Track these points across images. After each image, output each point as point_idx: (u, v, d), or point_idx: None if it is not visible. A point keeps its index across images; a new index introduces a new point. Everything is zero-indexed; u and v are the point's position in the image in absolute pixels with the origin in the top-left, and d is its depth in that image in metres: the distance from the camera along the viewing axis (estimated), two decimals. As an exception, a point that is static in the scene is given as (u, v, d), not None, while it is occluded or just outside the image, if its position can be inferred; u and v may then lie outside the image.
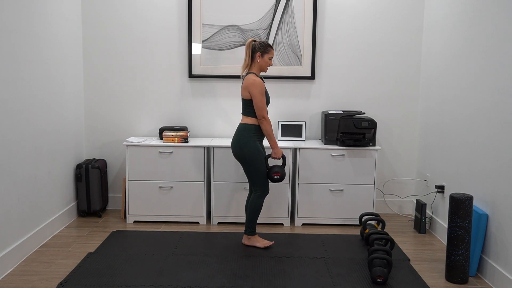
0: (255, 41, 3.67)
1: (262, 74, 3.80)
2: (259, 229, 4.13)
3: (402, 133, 4.73)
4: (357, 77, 4.66)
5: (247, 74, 3.66)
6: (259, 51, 3.63)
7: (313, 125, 4.72)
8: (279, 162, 3.94)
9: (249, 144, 3.61)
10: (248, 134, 3.63)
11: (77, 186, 4.45)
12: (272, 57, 3.70)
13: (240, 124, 3.71)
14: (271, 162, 3.95)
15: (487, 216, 3.28)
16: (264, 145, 3.82)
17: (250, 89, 3.56)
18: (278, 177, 3.66)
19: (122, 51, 4.62)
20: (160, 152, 4.29)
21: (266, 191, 3.71)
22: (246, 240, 3.78)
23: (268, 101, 3.69)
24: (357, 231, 4.21)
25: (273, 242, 3.80)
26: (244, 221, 3.92)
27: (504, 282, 3.06)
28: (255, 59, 3.65)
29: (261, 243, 3.76)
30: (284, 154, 3.79)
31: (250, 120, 3.64)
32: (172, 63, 4.64)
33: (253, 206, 3.70)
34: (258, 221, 4.15)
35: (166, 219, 4.38)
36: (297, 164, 4.30)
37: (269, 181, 3.72)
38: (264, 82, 3.64)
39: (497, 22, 3.23)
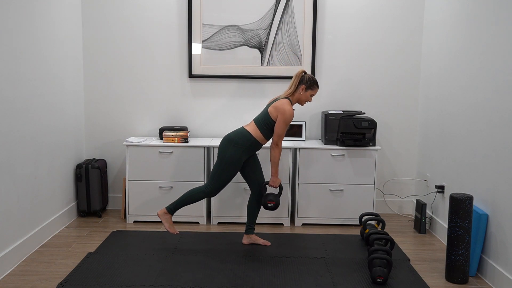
0: (305, 73, 3.67)
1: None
2: (258, 229, 4.13)
3: (402, 133, 4.73)
4: (357, 77, 4.66)
5: (284, 97, 3.64)
6: (305, 84, 3.63)
7: (313, 125, 4.72)
8: (275, 190, 3.94)
9: (237, 150, 3.59)
10: (244, 142, 3.60)
11: (77, 186, 4.45)
12: (314, 95, 3.71)
13: (244, 128, 3.68)
14: (268, 189, 3.94)
15: (487, 216, 3.28)
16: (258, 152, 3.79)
17: (279, 114, 3.55)
18: (272, 205, 3.66)
19: (122, 51, 4.62)
20: (160, 152, 4.29)
21: (213, 193, 3.68)
22: (160, 213, 3.74)
23: None
24: (357, 231, 4.21)
25: (178, 232, 3.79)
26: (245, 221, 3.93)
27: (504, 282, 3.06)
28: (298, 90, 3.64)
29: (169, 225, 3.72)
30: (282, 184, 3.79)
31: (255, 133, 3.62)
32: (172, 63, 4.64)
33: (193, 194, 3.68)
34: (257, 221, 4.15)
35: (166, 219, 4.38)
36: (297, 164, 4.30)
37: (262, 207, 3.71)
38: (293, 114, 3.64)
39: (497, 22, 3.23)
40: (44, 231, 3.85)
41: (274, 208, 3.67)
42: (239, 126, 4.65)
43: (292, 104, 3.64)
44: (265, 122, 3.61)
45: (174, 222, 4.36)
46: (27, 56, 3.55)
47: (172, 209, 3.71)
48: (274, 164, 3.64)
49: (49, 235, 3.95)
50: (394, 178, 4.78)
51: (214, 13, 4.55)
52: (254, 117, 3.77)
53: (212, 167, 4.27)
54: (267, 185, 3.76)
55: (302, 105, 3.75)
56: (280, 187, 3.77)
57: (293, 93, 3.66)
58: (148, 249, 3.69)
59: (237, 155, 3.59)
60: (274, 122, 3.59)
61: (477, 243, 3.30)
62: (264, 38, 4.57)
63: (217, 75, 4.62)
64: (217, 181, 3.64)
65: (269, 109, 3.62)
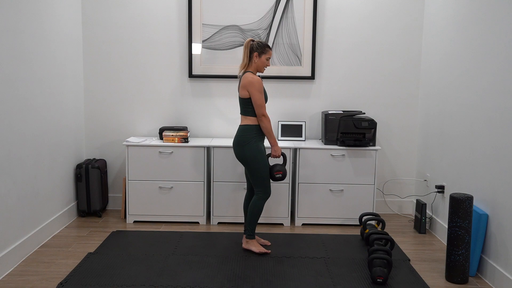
0: (253, 40, 3.63)
1: (260, 74, 3.79)
2: (258, 229, 4.13)
3: (402, 133, 4.73)
4: (357, 77, 4.66)
5: (244, 73, 3.63)
6: (257, 51, 3.60)
7: (313, 125, 4.72)
8: (280, 160, 3.93)
9: (250, 145, 3.58)
10: (249, 135, 3.59)
11: (77, 186, 4.45)
12: (269, 58, 3.65)
13: (240, 125, 3.67)
14: (272, 161, 3.94)
15: (487, 216, 3.28)
16: (265, 145, 3.79)
17: (249, 88, 3.53)
18: (280, 175, 3.63)
19: (122, 51, 4.62)
20: (160, 152, 4.29)
21: (267, 193, 3.64)
22: (244, 243, 3.72)
23: (266, 99, 3.65)
24: (357, 231, 4.21)
25: (270, 251, 3.67)
26: (244, 221, 3.91)
27: (504, 282, 3.06)
28: (253, 59, 3.61)
29: (259, 248, 3.66)
30: (284, 152, 3.79)
31: (249, 121, 3.61)
32: (172, 63, 4.64)
33: (253, 209, 3.63)
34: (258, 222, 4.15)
35: (166, 219, 4.38)
36: (297, 164, 4.30)
37: (271, 180, 3.68)
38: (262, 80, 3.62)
39: (497, 21, 3.23)
40: (44, 231, 3.85)
41: (282, 178, 3.64)
42: (239, 126, 4.69)
43: (254, 74, 3.61)
44: (246, 105, 3.59)
45: (174, 222, 4.37)
46: (27, 56, 3.55)
47: (249, 234, 3.66)
48: (269, 134, 3.60)
49: (49, 235, 3.95)
50: (394, 178, 4.78)
51: (214, 13, 4.55)
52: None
53: (212, 167, 4.28)
54: (269, 157, 3.74)
55: (262, 72, 3.68)
56: (283, 155, 3.75)
57: (248, 64, 3.63)
58: (148, 249, 3.70)
59: (254, 149, 3.57)
60: (250, 99, 3.57)
61: (477, 243, 3.30)
62: (264, 38, 4.57)
63: (217, 75, 4.62)
64: (260, 182, 3.60)
65: (239, 94, 3.61)
